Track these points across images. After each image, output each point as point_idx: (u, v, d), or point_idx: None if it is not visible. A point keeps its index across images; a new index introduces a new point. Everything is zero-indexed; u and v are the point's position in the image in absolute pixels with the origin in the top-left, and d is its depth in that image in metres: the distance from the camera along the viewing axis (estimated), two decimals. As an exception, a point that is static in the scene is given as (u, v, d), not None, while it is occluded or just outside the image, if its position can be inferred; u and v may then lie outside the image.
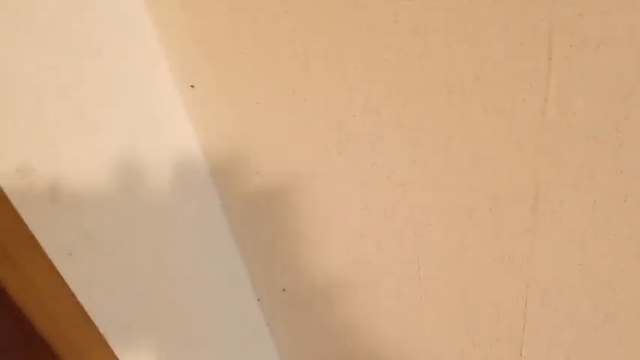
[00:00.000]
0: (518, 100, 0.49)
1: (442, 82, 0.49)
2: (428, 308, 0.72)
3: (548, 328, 0.67)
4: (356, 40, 0.50)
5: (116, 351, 0.56)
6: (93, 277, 0.53)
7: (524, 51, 0.45)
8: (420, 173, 0.58)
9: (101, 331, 0.54)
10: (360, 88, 0.53)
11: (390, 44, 0.49)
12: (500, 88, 0.48)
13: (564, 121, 0.49)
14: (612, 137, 0.48)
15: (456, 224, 0.59)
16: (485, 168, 0.54)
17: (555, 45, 0.45)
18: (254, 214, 0.70)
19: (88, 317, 0.53)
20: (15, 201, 0.43)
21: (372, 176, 0.60)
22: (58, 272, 0.49)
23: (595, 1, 0.42)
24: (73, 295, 0.51)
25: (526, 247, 0.59)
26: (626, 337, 0.64)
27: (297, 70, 0.53)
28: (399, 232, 0.65)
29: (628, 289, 0.58)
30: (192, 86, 0.58)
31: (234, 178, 0.67)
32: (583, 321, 0.64)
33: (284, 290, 0.76)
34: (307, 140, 0.60)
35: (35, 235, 0.45)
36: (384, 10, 0.47)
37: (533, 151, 0.52)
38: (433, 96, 0.51)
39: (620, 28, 0.42)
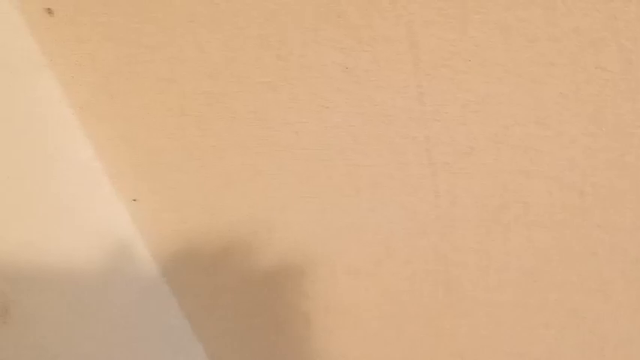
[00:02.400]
0: (416, 197, 0.56)
1: (347, 186, 0.57)
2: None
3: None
4: (272, 152, 0.57)
5: None
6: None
7: (408, 160, 0.53)
8: (347, 259, 0.64)
9: None
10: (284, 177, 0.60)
11: (293, 155, 0.56)
12: (399, 188, 0.56)
13: (455, 212, 0.55)
14: (496, 223, 0.55)
15: (386, 311, 0.65)
16: (398, 254, 0.61)
17: (434, 153, 0.52)
18: (213, 309, 0.75)
19: None
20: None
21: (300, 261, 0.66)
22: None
23: (456, 117, 0.49)
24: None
25: (449, 322, 0.64)
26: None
27: (218, 185, 0.60)
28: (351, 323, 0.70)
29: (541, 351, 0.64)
30: (134, 200, 0.64)
31: (187, 278, 0.73)
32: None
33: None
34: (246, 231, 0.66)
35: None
36: (285, 125, 0.54)
37: (437, 237, 0.58)
38: (341, 196, 0.58)
39: (481, 137, 0.50)
